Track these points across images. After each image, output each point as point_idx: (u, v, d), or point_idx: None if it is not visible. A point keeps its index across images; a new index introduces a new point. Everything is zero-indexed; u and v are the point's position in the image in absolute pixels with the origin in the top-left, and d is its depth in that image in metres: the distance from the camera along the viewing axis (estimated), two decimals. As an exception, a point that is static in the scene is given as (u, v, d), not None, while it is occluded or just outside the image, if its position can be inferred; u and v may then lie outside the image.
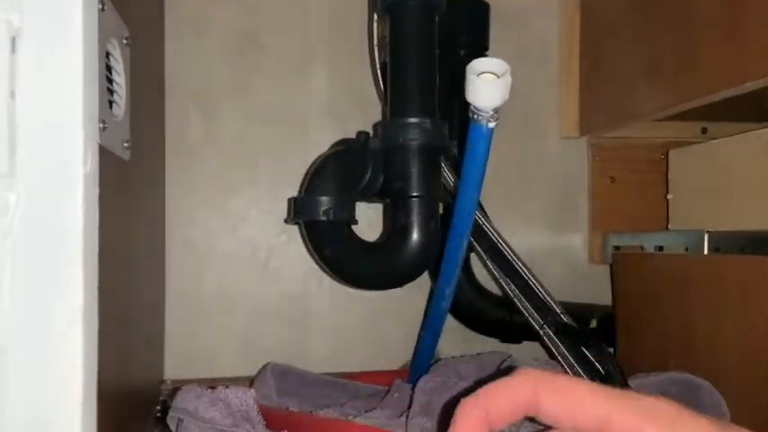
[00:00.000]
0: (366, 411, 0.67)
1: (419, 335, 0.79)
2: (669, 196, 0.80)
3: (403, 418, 0.63)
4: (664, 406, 0.27)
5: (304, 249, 0.89)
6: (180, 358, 0.87)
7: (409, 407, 0.65)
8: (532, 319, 0.71)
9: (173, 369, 0.86)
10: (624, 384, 0.64)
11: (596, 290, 0.92)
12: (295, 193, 0.81)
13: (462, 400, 0.30)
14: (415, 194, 0.70)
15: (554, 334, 0.69)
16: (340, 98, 0.92)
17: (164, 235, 0.87)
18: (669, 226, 0.80)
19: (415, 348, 0.80)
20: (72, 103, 0.30)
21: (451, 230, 0.62)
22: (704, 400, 0.66)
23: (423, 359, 0.76)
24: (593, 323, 0.87)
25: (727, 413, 0.66)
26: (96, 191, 0.32)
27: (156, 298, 0.83)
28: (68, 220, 0.31)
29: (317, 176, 0.74)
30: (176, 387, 0.64)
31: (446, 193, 0.75)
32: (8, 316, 0.31)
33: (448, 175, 0.75)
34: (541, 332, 0.70)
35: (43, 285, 0.31)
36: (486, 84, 0.48)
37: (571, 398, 0.28)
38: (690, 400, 0.67)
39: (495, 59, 0.49)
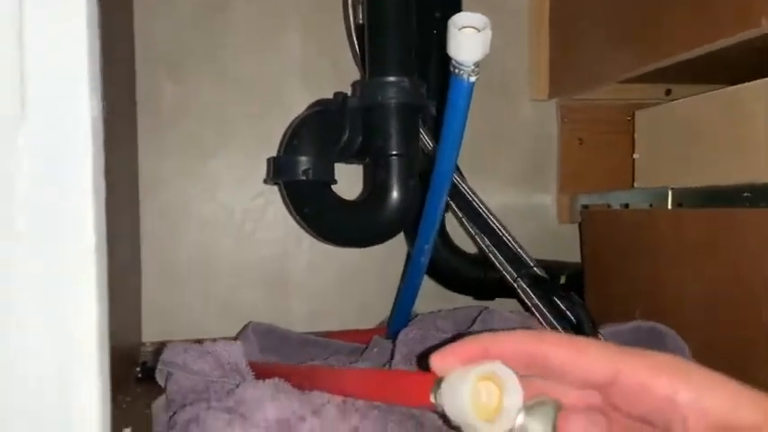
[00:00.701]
0: (348, 365, 0.69)
1: (398, 291, 0.81)
2: (635, 155, 0.83)
3: (386, 368, 0.66)
4: (670, 359, 0.27)
5: (282, 212, 0.90)
6: (160, 323, 0.87)
7: (391, 358, 0.67)
8: (506, 272, 0.73)
9: (153, 335, 0.86)
10: (594, 331, 0.68)
11: (566, 249, 0.95)
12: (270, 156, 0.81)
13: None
14: (394, 153, 0.71)
15: (527, 286, 0.72)
16: (314, 61, 0.92)
17: (138, 199, 0.86)
18: (635, 184, 0.83)
19: (394, 305, 0.82)
20: (78, 42, 0.31)
21: (432, 182, 0.63)
22: (668, 346, 0.69)
23: (401, 315, 0.78)
24: (563, 279, 0.90)
25: (690, 358, 0.70)
26: (102, 136, 0.33)
27: (132, 261, 0.83)
28: (79, 161, 0.31)
29: (295, 136, 0.75)
30: (159, 347, 0.64)
31: (424, 157, 0.77)
32: (24, 263, 0.31)
33: (426, 139, 0.77)
34: (515, 284, 0.73)
35: (56, 229, 0.31)
36: (468, 38, 0.49)
37: (580, 350, 0.28)
38: (655, 346, 0.70)
39: (475, 14, 0.50)
